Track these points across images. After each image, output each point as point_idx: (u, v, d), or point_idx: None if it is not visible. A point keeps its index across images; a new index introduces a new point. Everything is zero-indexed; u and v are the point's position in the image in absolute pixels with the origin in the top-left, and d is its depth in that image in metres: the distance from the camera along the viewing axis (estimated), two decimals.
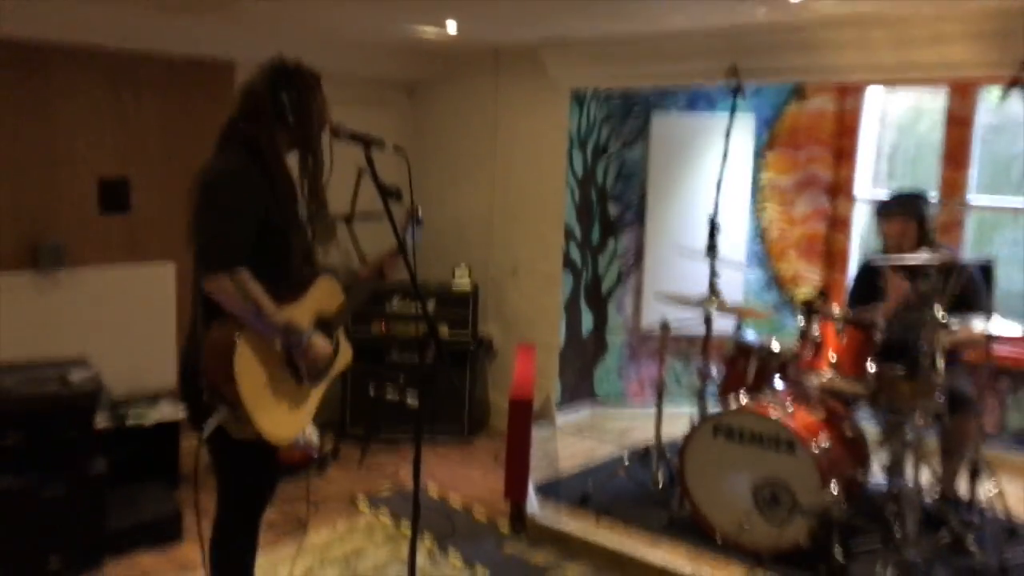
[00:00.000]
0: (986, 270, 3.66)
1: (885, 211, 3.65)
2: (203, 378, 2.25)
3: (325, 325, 2.48)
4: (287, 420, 2.38)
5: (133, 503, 3.57)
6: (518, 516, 3.71)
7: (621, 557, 3.36)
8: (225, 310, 2.21)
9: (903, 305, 3.49)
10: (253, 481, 2.50)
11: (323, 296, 2.49)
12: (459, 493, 4.16)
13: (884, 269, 3.61)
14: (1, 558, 3.07)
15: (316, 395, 2.53)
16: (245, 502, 2.51)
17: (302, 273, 2.43)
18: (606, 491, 3.88)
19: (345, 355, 2.61)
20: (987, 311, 3.22)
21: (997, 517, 3.43)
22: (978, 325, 3.17)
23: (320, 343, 2.42)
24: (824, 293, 3.81)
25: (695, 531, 3.46)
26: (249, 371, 2.23)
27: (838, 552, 3.12)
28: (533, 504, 3.77)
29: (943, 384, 3.03)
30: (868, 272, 3.83)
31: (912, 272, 3.32)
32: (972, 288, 3.43)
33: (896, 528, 3.10)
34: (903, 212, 3.58)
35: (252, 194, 2.25)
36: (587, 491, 3.84)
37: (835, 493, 3.13)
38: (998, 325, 3.15)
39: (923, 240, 3.53)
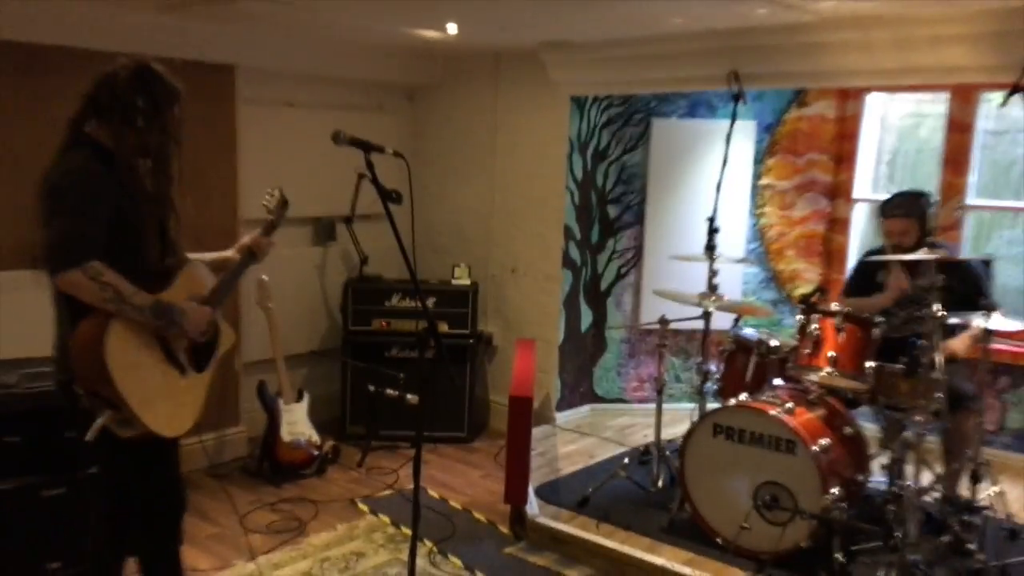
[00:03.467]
0: (985, 266, 3.69)
1: (887, 209, 3.71)
2: (77, 382, 2.20)
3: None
4: (174, 412, 2.34)
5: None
6: (518, 519, 3.70)
7: (621, 560, 3.35)
8: (88, 306, 2.16)
9: (899, 299, 3.59)
10: (155, 485, 2.48)
11: (193, 281, 2.46)
12: (459, 495, 4.16)
13: (887, 264, 3.65)
14: (0, 559, 3.06)
15: (203, 384, 2.50)
16: (156, 510, 2.50)
17: (166, 266, 2.39)
18: (606, 493, 3.87)
19: (228, 337, 2.59)
20: (989, 306, 3.23)
21: (998, 519, 3.43)
22: (978, 324, 3.18)
23: (195, 307, 2.37)
24: (823, 290, 3.84)
25: (695, 533, 3.46)
26: (123, 363, 2.17)
27: (839, 554, 3.11)
28: (533, 507, 3.76)
29: (943, 382, 3.04)
30: (867, 265, 3.88)
31: (912, 269, 3.38)
32: (974, 283, 3.46)
33: (897, 530, 3.10)
34: (904, 211, 3.63)
35: (100, 192, 2.21)
36: (587, 493, 3.84)
37: (835, 494, 3.13)
38: (997, 321, 3.15)
39: (923, 238, 3.58)
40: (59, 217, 2.17)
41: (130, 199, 2.27)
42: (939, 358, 3.00)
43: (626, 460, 4.10)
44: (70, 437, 3.16)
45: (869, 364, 3.33)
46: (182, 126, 2.38)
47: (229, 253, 2.71)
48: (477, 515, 3.93)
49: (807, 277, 5.26)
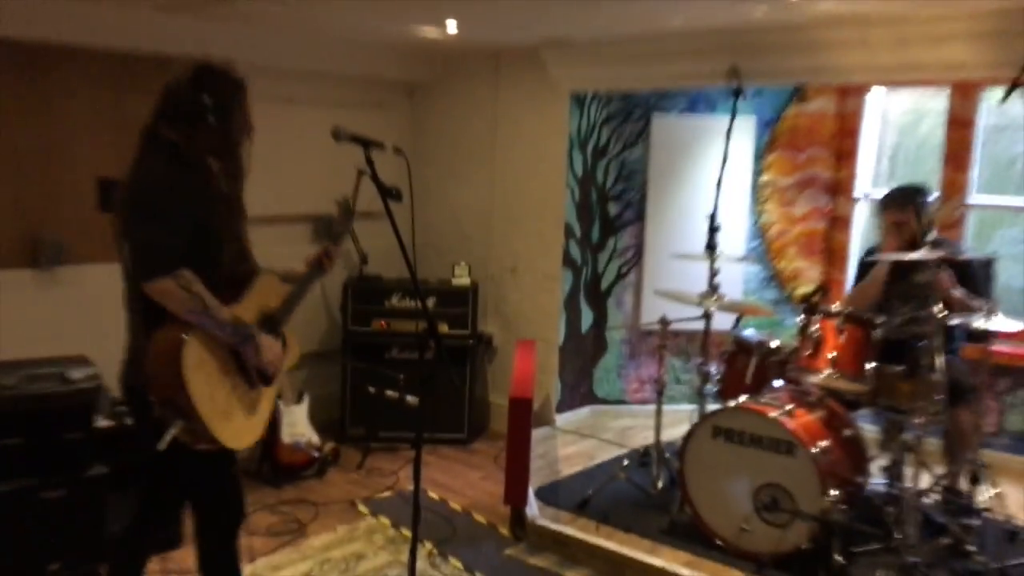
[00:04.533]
0: (987, 265, 3.68)
1: (884, 204, 3.72)
2: (151, 391, 2.21)
3: (270, 321, 2.47)
4: (244, 425, 2.35)
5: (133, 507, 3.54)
6: (518, 520, 3.70)
7: (621, 562, 3.34)
8: (169, 313, 2.18)
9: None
10: (220, 490, 2.47)
11: (264, 293, 2.47)
12: (459, 496, 4.15)
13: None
14: (0, 562, 3.06)
15: (270, 397, 2.50)
16: (220, 514, 2.49)
17: (238, 273, 2.40)
18: (606, 495, 3.87)
19: (293, 351, 2.60)
20: (989, 307, 3.23)
21: (998, 521, 3.42)
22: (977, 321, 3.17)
23: (269, 344, 2.39)
24: (823, 289, 3.83)
25: (695, 535, 3.45)
26: (199, 374, 2.18)
27: (838, 556, 3.11)
28: (533, 508, 3.75)
29: (943, 380, 3.02)
30: (869, 262, 3.86)
31: (912, 265, 3.37)
32: (975, 282, 3.47)
33: (896, 531, 3.09)
34: (900, 202, 3.64)
35: (183, 199, 2.23)
36: (587, 495, 3.83)
37: (835, 496, 3.12)
38: (998, 321, 3.14)
39: (920, 231, 3.58)
40: (145, 225, 2.20)
41: (208, 203, 2.29)
42: (939, 360, 2.99)
43: (626, 462, 4.10)
44: (70, 438, 3.19)
45: (869, 365, 3.32)
46: (250, 116, 2.39)
47: (298, 267, 2.69)
48: (477, 517, 3.92)
49: (808, 276, 5.25)
